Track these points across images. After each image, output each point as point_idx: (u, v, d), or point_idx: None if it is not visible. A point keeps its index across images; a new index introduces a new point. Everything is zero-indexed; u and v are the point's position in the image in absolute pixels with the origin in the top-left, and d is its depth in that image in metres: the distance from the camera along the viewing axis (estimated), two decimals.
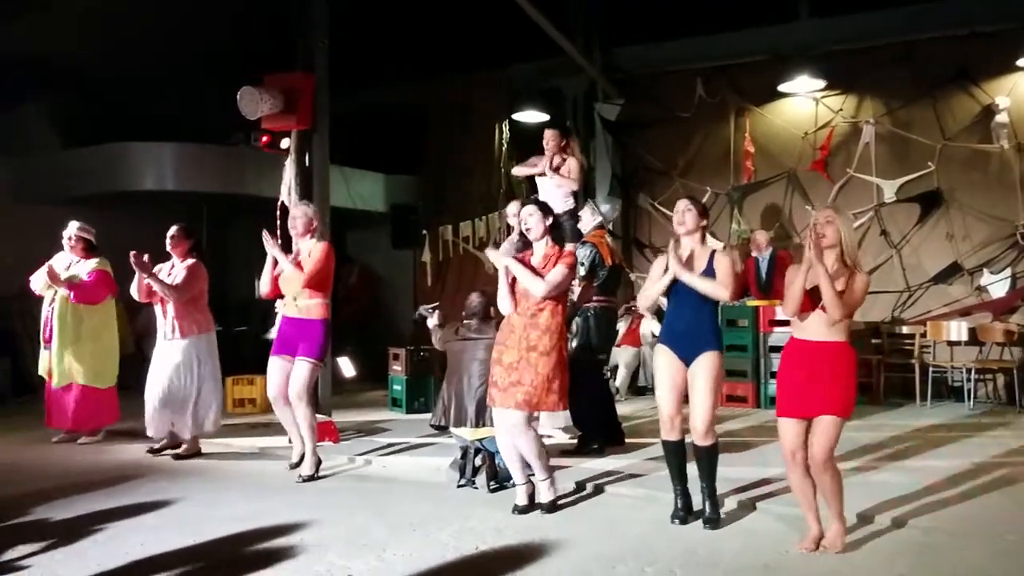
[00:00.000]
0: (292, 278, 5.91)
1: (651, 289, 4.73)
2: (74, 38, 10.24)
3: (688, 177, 10.86)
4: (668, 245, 4.66)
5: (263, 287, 6.11)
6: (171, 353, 6.74)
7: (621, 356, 9.68)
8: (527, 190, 8.79)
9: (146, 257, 6.57)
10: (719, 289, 4.51)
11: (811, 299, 4.08)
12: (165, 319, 6.77)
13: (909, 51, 9.66)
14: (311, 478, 5.91)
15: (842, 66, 9.81)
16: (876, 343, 9.42)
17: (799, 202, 10.26)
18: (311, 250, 5.94)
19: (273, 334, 6.32)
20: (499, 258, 5.01)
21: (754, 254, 9.52)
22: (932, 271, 9.59)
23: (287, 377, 5.92)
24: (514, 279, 4.92)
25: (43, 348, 7.49)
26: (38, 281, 7.35)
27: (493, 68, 11.56)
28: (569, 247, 6.09)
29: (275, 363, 5.99)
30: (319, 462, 6.03)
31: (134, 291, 6.80)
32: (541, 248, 4.97)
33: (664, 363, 4.66)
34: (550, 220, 5.00)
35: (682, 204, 4.74)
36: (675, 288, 4.65)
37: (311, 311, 5.92)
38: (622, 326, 9.91)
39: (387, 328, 12.39)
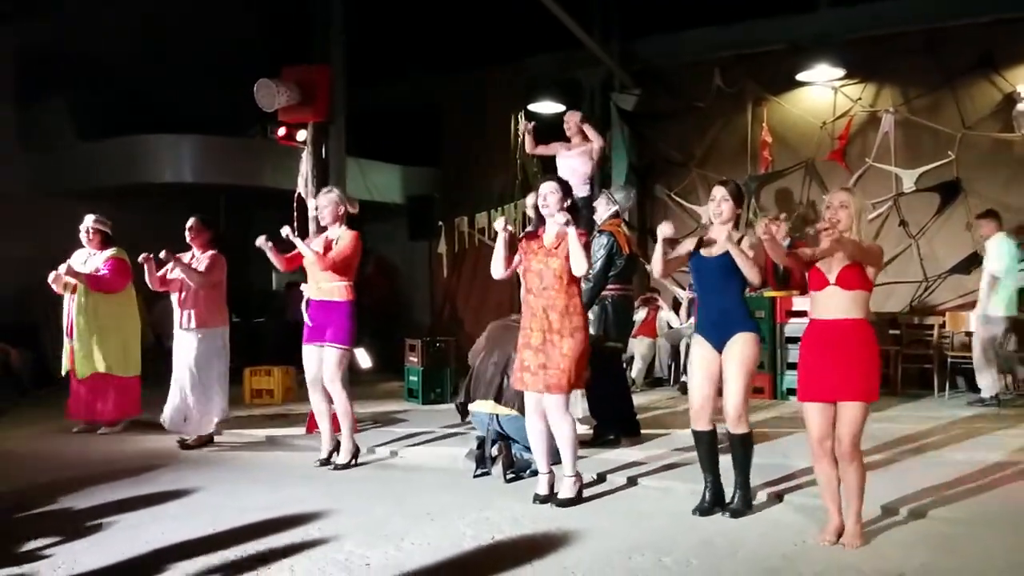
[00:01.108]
0: (316, 262, 5.93)
1: (661, 256, 4.71)
2: (93, 32, 10.30)
3: (705, 167, 10.82)
4: (696, 231, 4.63)
5: (279, 263, 6.12)
6: (187, 343, 6.81)
7: (637, 347, 9.67)
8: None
9: (163, 254, 6.64)
10: (755, 272, 4.47)
11: (823, 275, 4.07)
12: (182, 309, 6.82)
13: (929, 39, 9.57)
14: (346, 466, 5.95)
15: (861, 55, 9.73)
16: (894, 334, 9.35)
17: (817, 192, 10.20)
18: (339, 236, 5.95)
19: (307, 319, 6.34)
20: (559, 219, 4.82)
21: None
22: (951, 261, 9.52)
23: (321, 364, 5.97)
24: (525, 259, 4.97)
25: (66, 341, 7.57)
26: (56, 284, 7.41)
27: (510, 60, 11.55)
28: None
29: (308, 351, 6.02)
30: (357, 451, 6.06)
31: (148, 280, 6.89)
32: (553, 227, 4.97)
33: (698, 353, 4.67)
34: (568, 202, 5.00)
35: (718, 192, 4.67)
36: (701, 277, 4.67)
37: (334, 293, 5.94)
38: (639, 316, 9.91)
39: (404, 319, 12.43)
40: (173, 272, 6.77)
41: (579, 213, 5.27)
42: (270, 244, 5.97)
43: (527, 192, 7.60)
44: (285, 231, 6.03)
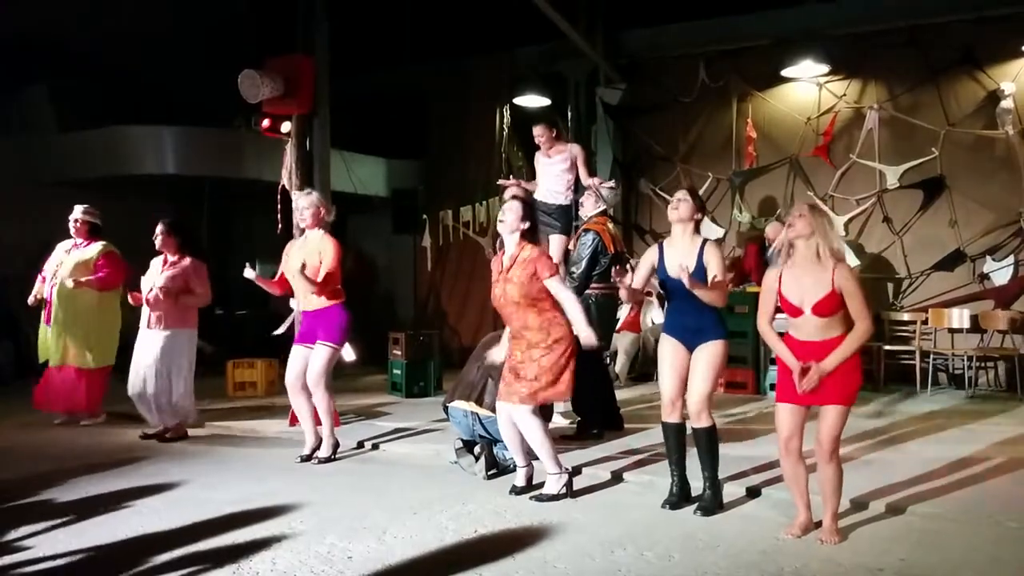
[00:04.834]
0: (304, 280, 5.88)
1: (634, 280, 4.77)
2: (77, 20, 10.22)
3: (690, 163, 10.83)
4: (664, 237, 4.64)
5: (273, 290, 6.13)
6: (150, 343, 6.76)
7: (621, 342, 9.67)
8: (527, 175, 8.78)
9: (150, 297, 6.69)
10: (717, 300, 4.53)
11: (797, 308, 4.07)
12: (151, 311, 6.77)
13: (914, 36, 9.59)
14: (327, 460, 5.94)
15: (846, 51, 9.75)
16: (877, 330, 9.39)
17: (801, 188, 10.23)
18: (320, 249, 5.89)
19: (281, 330, 6.32)
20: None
21: (769, 244, 9.48)
22: (934, 258, 9.55)
23: (305, 365, 5.93)
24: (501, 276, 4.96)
25: (42, 326, 7.53)
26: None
27: (495, 52, 11.51)
28: (562, 237, 6.17)
29: (296, 351, 5.99)
30: (337, 445, 6.07)
31: (130, 299, 6.88)
32: (513, 242, 4.96)
33: (668, 349, 4.67)
34: (527, 224, 4.96)
35: (679, 193, 4.77)
36: (671, 284, 4.64)
37: (325, 301, 5.91)
38: (623, 312, 9.92)
39: (387, 312, 12.40)
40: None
41: (537, 233, 5.20)
42: (255, 274, 5.94)
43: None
44: (250, 274, 5.95)
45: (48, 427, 7.39)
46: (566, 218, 6.86)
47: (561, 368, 4.87)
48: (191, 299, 6.81)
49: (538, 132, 6.99)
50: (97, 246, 7.45)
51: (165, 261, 6.86)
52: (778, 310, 4.23)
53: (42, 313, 7.54)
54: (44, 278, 7.51)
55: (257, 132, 10.19)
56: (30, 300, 7.57)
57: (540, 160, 7.03)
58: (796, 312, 4.09)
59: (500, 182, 7.56)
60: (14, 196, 10.40)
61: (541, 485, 5.03)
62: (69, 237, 7.56)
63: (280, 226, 7.70)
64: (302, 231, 6.20)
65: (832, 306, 4.01)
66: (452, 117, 12.16)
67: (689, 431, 4.71)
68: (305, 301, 5.95)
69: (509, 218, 4.94)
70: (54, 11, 9.93)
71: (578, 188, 7.04)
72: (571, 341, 4.91)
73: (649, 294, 10.02)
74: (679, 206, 4.67)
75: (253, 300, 12.20)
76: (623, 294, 4.87)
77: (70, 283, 7.25)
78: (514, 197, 5.24)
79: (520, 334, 4.92)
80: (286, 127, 8.20)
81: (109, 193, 10.18)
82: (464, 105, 11.95)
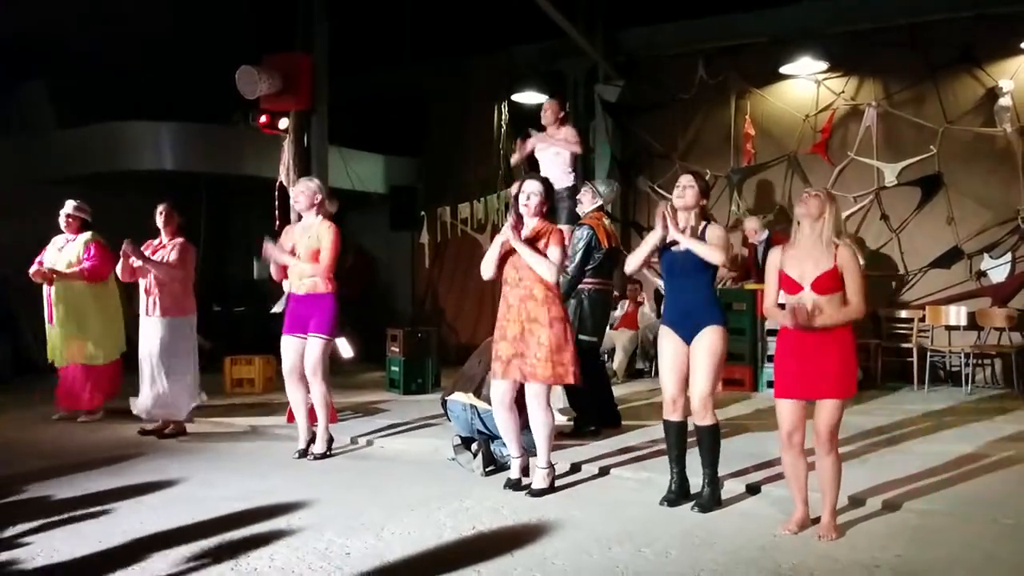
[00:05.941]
0: (299, 264, 5.90)
1: (638, 251, 4.74)
2: (77, 20, 10.20)
3: (688, 160, 10.83)
4: (662, 208, 4.61)
5: (273, 272, 6.14)
6: (151, 331, 6.79)
7: (618, 339, 9.70)
8: (526, 171, 8.78)
9: (125, 245, 6.64)
10: (714, 252, 4.48)
11: (796, 284, 4.08)
12: (147, 296, 6.80)
13: (912, 33, 9.60)
14: (323, 456, 5.95)
15: (844, 48, 9.75)
16: (874, 327, 9.41)
17: (799, 185, 10.22)
18: (319, 233, 5.90)
19: (278, 308, 6.31)
20: (512, 239, 4.86)
21: (751, 241, 9.52)
22: (932, 255, 9.56)
23: (300, 355, 5.93)
24: (506, 253, 4.98)
25: (47, 326, 7.53)
26: (36, 277, 7.40)
27: (494, 49, 11.52)
28: (564, 228, 6.18)
29: (288, 341, 5.97)
30: (331, 440, 6.08)
31: (118, 272, 6.87)
32: (532, 223, 5.03)
33: (667, 344, 4.65)
34: (548, 204, 5.09)
35: (684, 179, 4.70)
36: (671, 267, 4.64)
37: (317, 286, 5.90)
38: (619, 311, 9.95)
39: (385, 309, 12.41)
40: (137, 263, 6.75)
41: (556, 210, 5.27)
42: (272, 244, 5.98)
43: (510, 183, 7.57)
44: (268, 249, 6.01)
45: (45, 423, 7.38)
46: (571, 201, 6.84)
47: (555, 349, 4.86)
48: (176, 272, 6.79)
49: (548, 106, 6.99)
50: (84, 237, 7.44)
51: (160, 244, 6.90)
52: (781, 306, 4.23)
53: (45, 312, 7.53)
54: (41, 263, 7.47)
55: (255, 128, 10.18)
56: (31, 270, 7.43)
57: (538, 142, 7.05)
58: (795, 288, 4.08)
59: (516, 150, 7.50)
60: (14, 193, 10.39)
61: None
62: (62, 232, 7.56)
63: (278, 222, 7.70)
64: (299, 216, 6.22)
65: (831, 283, 4.01)
66: (451, 116, 12.17)
67: (691, 427, 4.70)
68: (298, 284, 5.94)
69: (534, 202, 4.99)
70: (54, 11, 9.92)
71: (577, 175, 7.05)
72: (566, 325, 4.95)
73: (641, 303, 10.08)
74: (685, 194, 4.63)
75: (251, 297, 12.22)
76: (634, 261, 4.78)
77: (51, 267, 7.27)
78: (536, 177, 5.21)
79: (522, 304, 4.91)
80: (284, 123, 8.20)
81: (107, 189, 10.18)
82: (463, 104, 11.96)
